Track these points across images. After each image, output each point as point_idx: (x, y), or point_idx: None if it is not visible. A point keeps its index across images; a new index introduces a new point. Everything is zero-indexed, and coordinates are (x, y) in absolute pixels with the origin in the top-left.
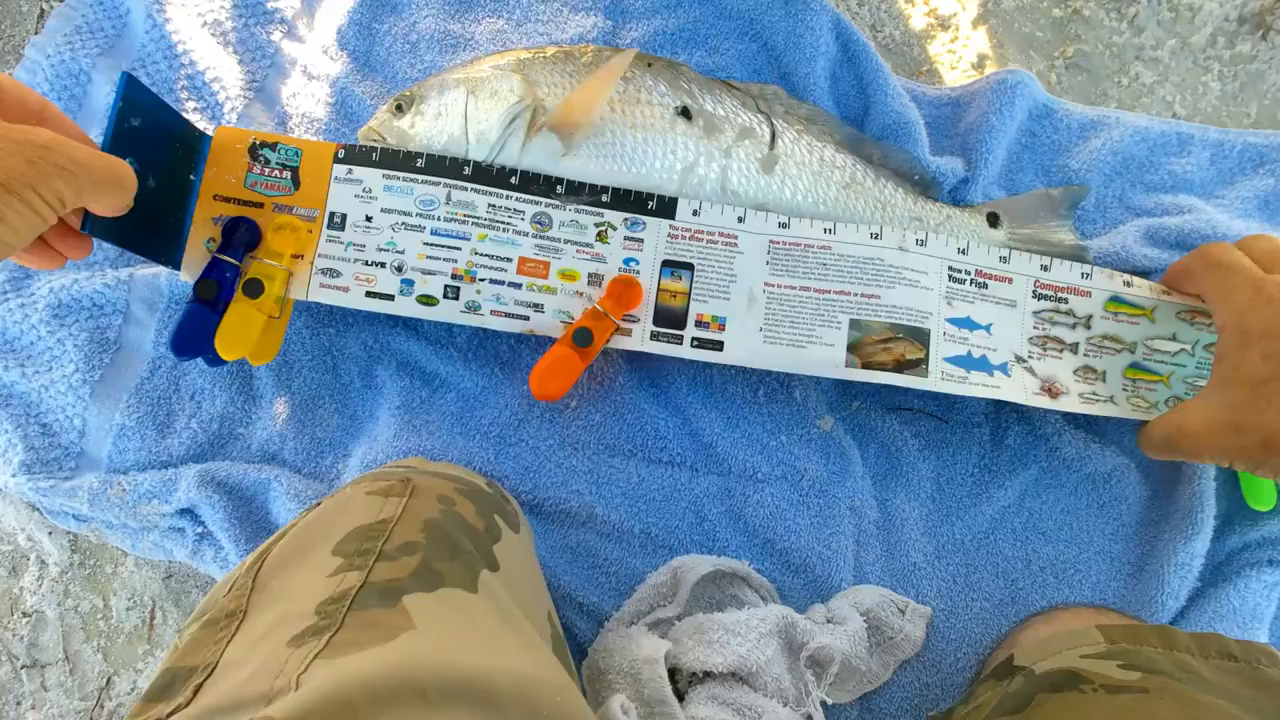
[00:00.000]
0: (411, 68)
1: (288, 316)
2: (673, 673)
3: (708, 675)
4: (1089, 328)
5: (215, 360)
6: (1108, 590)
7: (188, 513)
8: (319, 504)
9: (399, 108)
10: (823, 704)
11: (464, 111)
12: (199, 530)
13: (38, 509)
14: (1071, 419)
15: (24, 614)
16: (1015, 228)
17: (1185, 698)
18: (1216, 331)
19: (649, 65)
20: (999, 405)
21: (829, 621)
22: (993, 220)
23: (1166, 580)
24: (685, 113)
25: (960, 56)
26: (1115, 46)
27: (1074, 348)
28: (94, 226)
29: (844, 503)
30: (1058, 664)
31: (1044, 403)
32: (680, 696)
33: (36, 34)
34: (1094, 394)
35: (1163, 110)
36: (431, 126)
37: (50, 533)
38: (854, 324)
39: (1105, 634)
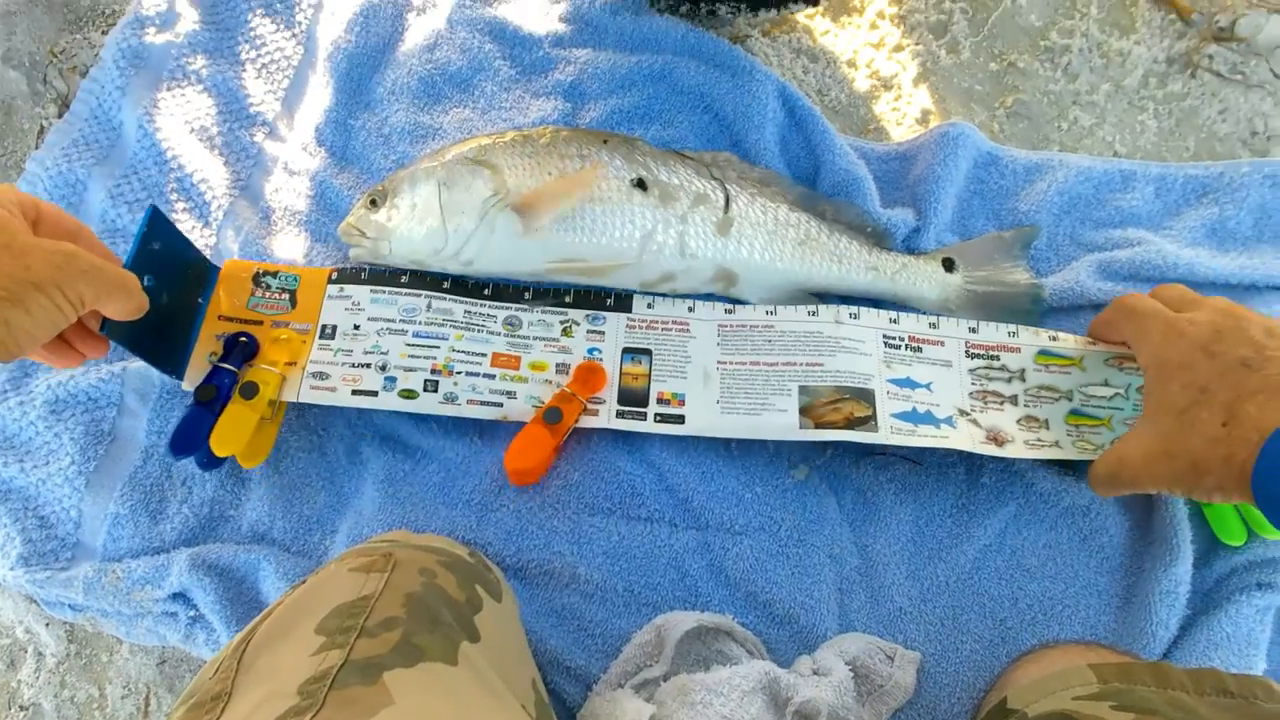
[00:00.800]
0: (385, 159)
1: (280, 420)
2: None
3: None
4: (1024, 380)
5: (209, 463)
6: (1098, 624)
7: (180, 597)
8: (304, 582)
9: (373, 202)
10: None
11: (439, 205)
12: (191, 614)
13: (35, 601)
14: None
15: (21, 707)
16: (971, 270)
17: None
18: (1142, 370)
19: (605, 141)
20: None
21: (814, 673)
22: (948, 265)
23: (1154, 610)
24: (641, 184)
25: (904, 113)
26: (1052, 94)
27: (1013, 399)
28: (110, 330)
29: (823, 550)
30: (1051, 706)
31: (991, 450)
32: None
33: (36, 148)
34: (1039, 440)
35: (1104, 150)
36: (409, 218)
37: (47, 624)
38: (803, 390)
39: (1098, 673)
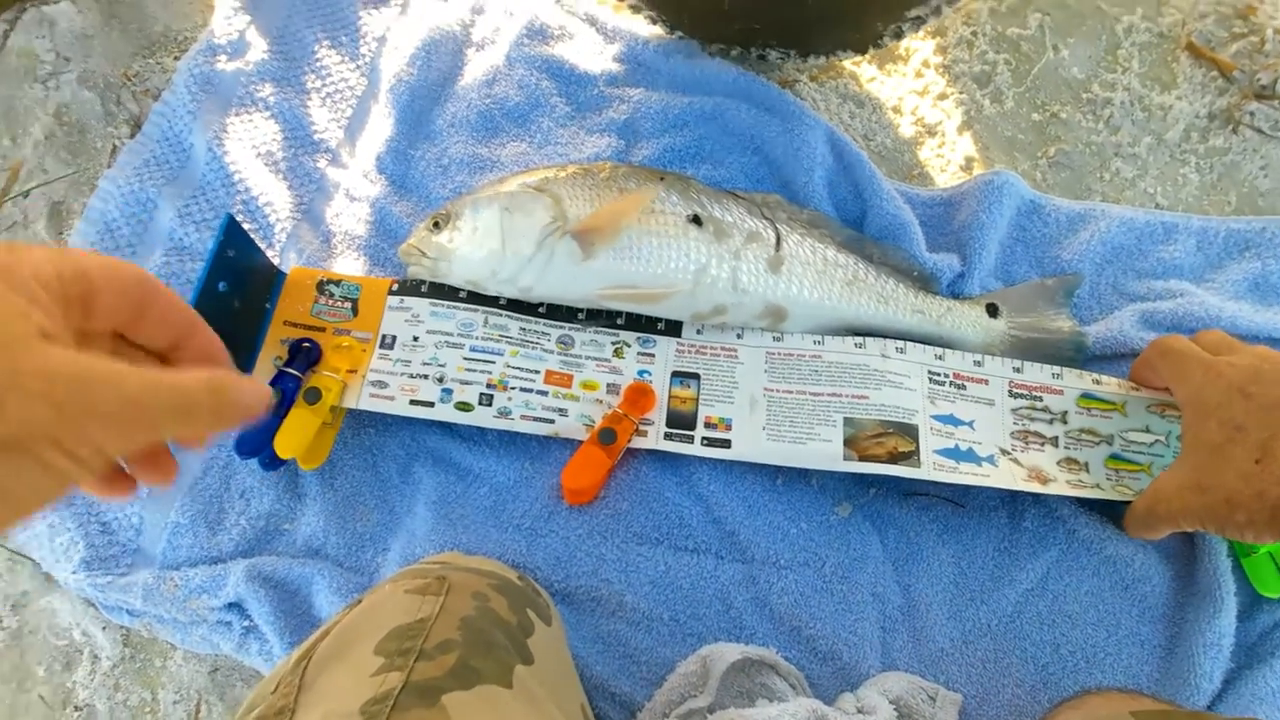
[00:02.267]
0: (443, 188)
1: (339, 426)
2: None
3: None
4: (1065, 422)
5: (271, 463)
6: (1140, 674)
7: (235, 606)
8: (360, 601)
9: (436, 224)
10: None
11: (499, 228)
12: (245, 624)
13: (93, 604)
14: (1085, 503)
15: (76, 708)
16: (1015, 316)
17: None
18: (1180, 409)
19: (661, 179)
20: (1014, 490)
21: (859, 711)
22: (992, 311)
23: (1197, 661)
24: (696, 220)
25: (948, 160)
26: (1094, 145)
27: (1054, 441)
28: None
29: (866, 588)
30: None
31: (1034, 488)
32: None
33: (109, 168)
34: (1080, 481)
35: (1145, 201)
36: (470, 241)
37: (104, 627)
38: (848, 421)
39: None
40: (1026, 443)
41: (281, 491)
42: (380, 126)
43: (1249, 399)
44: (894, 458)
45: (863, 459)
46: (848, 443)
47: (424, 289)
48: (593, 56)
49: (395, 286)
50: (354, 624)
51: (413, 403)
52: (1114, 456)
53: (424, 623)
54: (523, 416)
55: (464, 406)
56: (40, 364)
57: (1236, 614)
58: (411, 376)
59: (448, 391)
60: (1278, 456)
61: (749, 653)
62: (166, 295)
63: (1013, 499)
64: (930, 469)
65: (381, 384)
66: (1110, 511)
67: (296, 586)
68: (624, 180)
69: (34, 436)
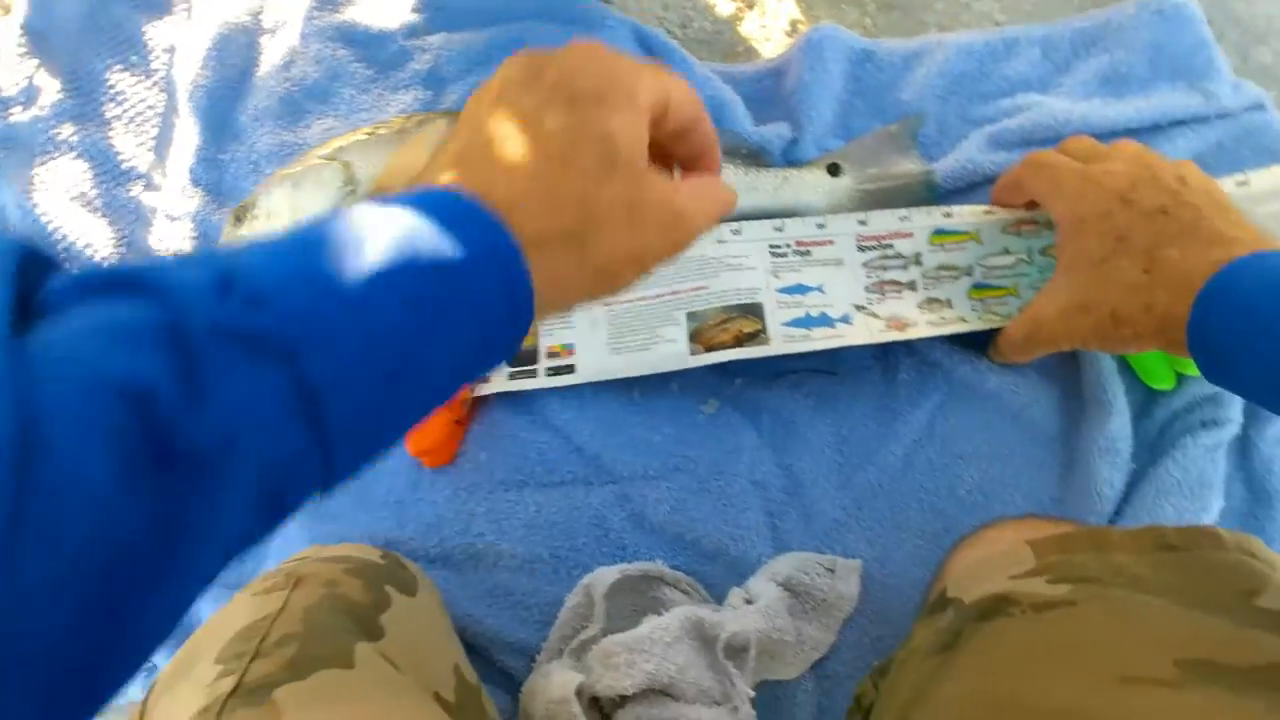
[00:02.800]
0: (257, 184)
1: None
2: (596, 701)
3: (627, 698)
4: (920, 264)
5: None
6: (1042, 497)
7: None
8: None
9: (237, 219)
10: (764, 684)
11: (289, 205)
12: (148, 667)
13: None
14: (959, 342)
15: None
16: (858, 170)
17: (1115, 603)
18: (1056, 226)
19: (446, 114)
20: (885, 344)
21: (747, 603)
22: (834, 170)
23: (1095, 470)
24: None
25: (772, 29)
26: None
27: (912, 285)
28: None
29: (745, 478)
30: (987, 589)
31: (892, 336)
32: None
33: None
34: (942, 319)
35: (984, 23)
36: (267, 224)
37: None
38: (690, 316)
39: (1035, 549)
40: (883, 293)
41: None
42: (186, 138)
43: (1130, 206)
44: (740, 340)
45: (709, 349)
46: (692, 337)
47: None
48: (388, 12)
49: None
50: (197, 639)
51: None
52: (977, 286)
53: (267, 619)
54: None
55: None
56: (658, 196)
57: (1133, 414)
58: None
59: None
60: (1165, 264)
61: (628, 570)
62: (706, 117)
63: (885, 355)
64: (780, 342)
65: None
66: (983, 345)
67: (187, 618)
68: (415, 129)
69: (633, 264)
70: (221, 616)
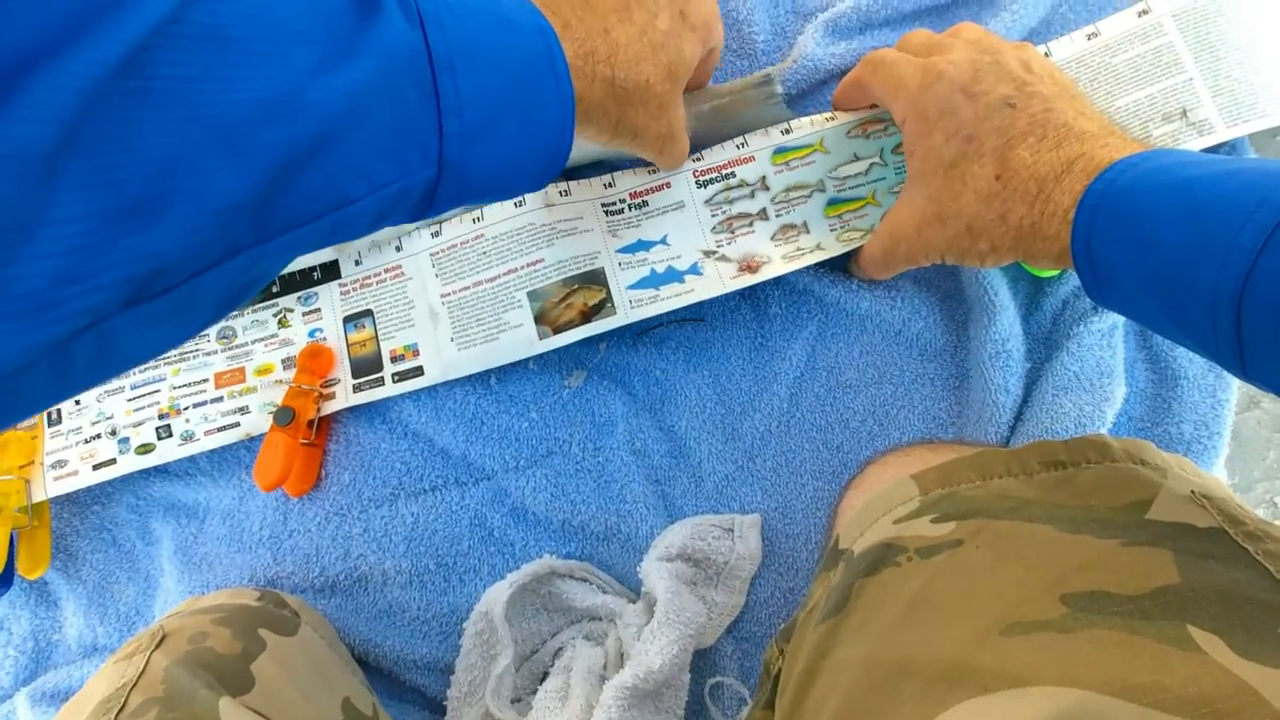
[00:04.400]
0: None
1: (47, 522)
2: None
3: None
4: (767, 188)
5: (2, 583)
6: (939, 414)
7: None
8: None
9: None
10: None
11: None
12: None
13: None
14: (827, 266)
15: None
16: (688, 100)
17: (1001, 537)
18: (900, 128)
19: None
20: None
21: (633, 603)
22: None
23: (989, 376)
24: None
25: None
26: None
27: (762, 214)
28: None
29: (624, 449)
30: (872, 538)
31: (747, 281)
32: None
33: None
34: (799, 250)
35: None
36: None
37: None
38: (532, 295)
39: (919, 484)
40: (733, 230)
41: (36, 606)
42: None
43: (974, 100)
44: (586, 314)
45: (557, 331)
46: (538, 319)
47: None
48: None
49: None
50: (60, 718)
51: (96, 467)
52: (832, 202)
53: (124, 688)
54: (206, 432)
55: (145, 448)
56: (674, 113)
57: (1022, 308)
58: (87, 441)
59: (124, 441)
60: (1018, 167)
61: (517, 579)
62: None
63: (753, 292)
64: (627, 310)
65: (61, 463)
66: (846, 265)
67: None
68: None
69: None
70: (84, 691)
